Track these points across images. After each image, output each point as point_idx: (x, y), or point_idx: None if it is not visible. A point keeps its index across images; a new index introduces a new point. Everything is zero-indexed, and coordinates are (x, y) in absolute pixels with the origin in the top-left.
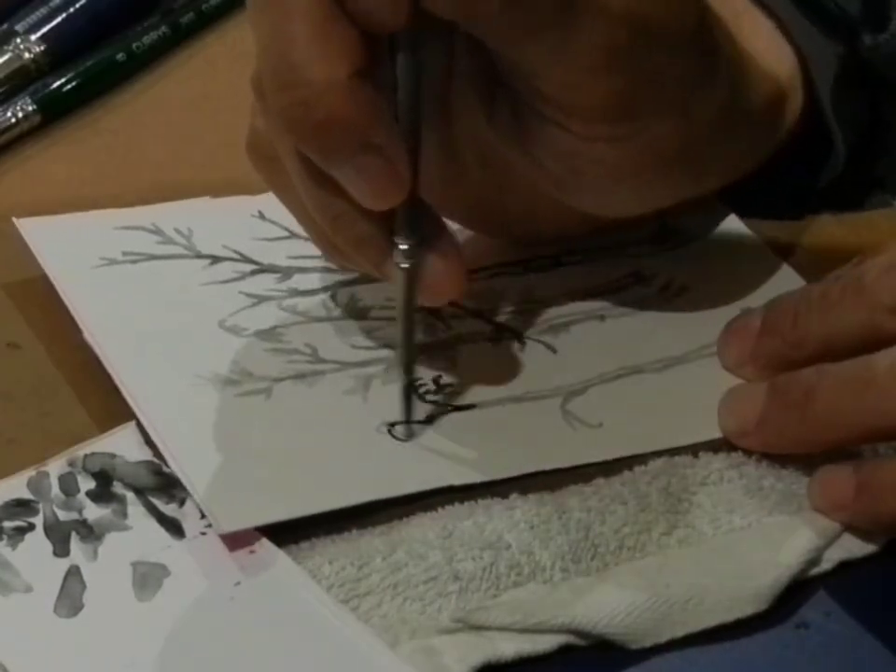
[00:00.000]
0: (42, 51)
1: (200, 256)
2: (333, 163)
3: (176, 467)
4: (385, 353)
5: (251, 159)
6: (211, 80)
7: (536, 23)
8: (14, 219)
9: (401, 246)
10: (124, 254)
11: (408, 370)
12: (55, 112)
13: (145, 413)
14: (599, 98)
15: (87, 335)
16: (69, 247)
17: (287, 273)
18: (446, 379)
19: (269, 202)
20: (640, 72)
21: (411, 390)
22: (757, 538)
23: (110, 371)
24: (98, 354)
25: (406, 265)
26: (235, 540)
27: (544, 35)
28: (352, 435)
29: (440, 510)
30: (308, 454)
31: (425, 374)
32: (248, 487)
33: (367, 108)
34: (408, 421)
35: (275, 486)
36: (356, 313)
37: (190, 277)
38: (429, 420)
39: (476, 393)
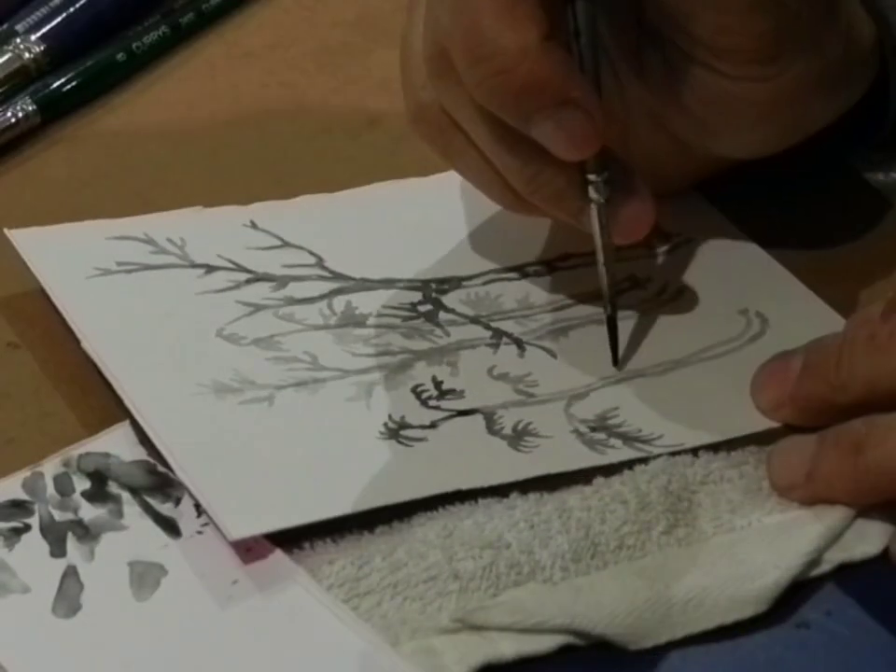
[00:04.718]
0: (42, 51)
1: (194, 265)
2: (534, 123)
3: (184, 476)
4: (385, 360)
5: (418, 131)
6: (211, 80)
7: None
8: (6, 230)
9: (595, 183)
10: (118, 264)
11: (612, 304)
12: (55, 112)
13: (150, 423)
14: (750, 39)
15: (86, 345)
16: (63, 258)
17: (282, 281)
18: (448, 384)
19: (260, 211)
20: (786, 12)
21: (615, 324)
22: (757, 538)
23: (112, 381)
24: (99, 364)
25: (602, 200)
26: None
27: None
28: (357, 441)
29: (440, 509)
30: (314, 460)
31: (426, 380)
32: (257, 494)
33: (560, 67)
34: (615, 353)
35: (284, 493)
36: (353, 320)
37: (186, 287)
38: (433, 425)
39: (479, 398)
